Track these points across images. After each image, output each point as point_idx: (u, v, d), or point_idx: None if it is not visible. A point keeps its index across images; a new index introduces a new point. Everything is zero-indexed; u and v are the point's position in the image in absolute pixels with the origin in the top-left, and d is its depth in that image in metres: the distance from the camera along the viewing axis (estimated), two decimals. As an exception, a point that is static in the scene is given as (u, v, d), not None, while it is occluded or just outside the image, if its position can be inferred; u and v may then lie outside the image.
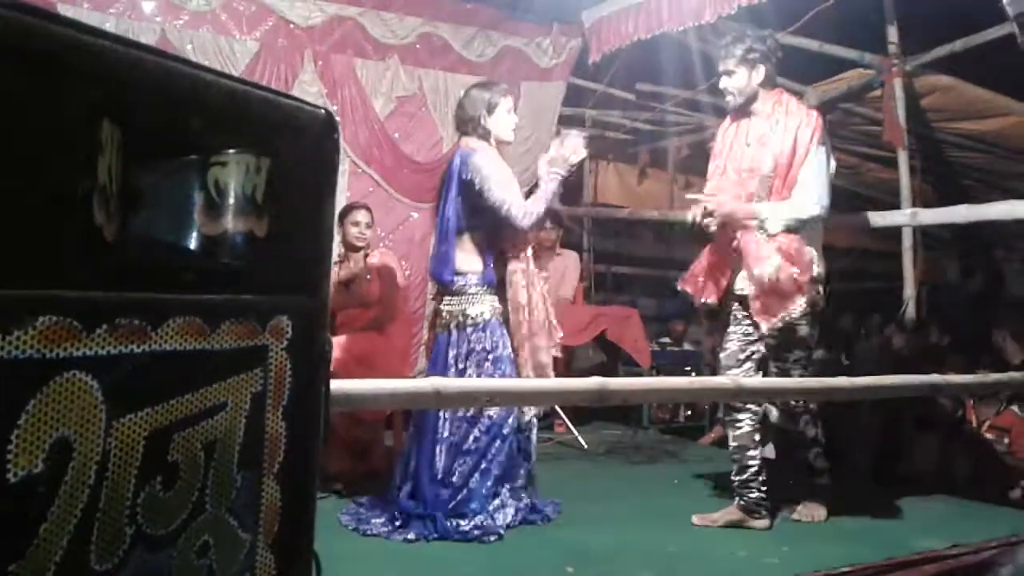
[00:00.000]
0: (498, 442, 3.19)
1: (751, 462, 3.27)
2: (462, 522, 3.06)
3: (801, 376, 3.23)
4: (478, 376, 3.17)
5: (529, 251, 3.38)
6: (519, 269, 3.32)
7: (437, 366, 3.24)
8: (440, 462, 3.15)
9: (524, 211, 3.22)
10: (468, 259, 3.27)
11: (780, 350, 3.21)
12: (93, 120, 0.86)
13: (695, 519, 3.30)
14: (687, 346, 6.87)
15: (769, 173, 3.16)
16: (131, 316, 0.90)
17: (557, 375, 4.41)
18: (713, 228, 3.19)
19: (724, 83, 3.28)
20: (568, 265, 5.77)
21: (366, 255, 4.16)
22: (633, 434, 5.59)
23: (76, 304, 0.83)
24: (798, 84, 6.06)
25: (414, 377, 4.45)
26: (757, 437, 3.31)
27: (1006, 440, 4.36)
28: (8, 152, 0.77)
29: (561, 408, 5.13)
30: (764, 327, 3.15)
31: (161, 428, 0.94)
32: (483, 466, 3.16)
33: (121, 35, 0.93)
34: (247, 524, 1.07)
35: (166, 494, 0.95)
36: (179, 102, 0.97)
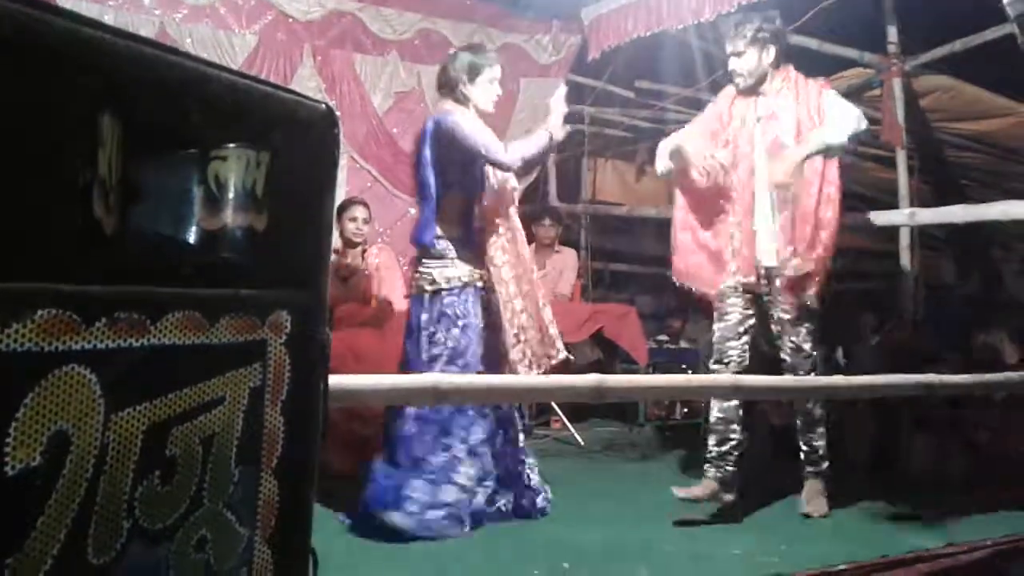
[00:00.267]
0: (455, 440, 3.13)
1: (733, 435, 3.28)
2: (395, 515, 2.98)
3: (812, 349, 3.28)
4: (445, 342, 3.11)
5: (514, 220, 3.28)
6: (499, 246, 3.24)
7: (412, 334, 3.18)
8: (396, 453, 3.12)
9: (507, 147, 3.12)
10: (448, 223, 3.19)
11: (794, 323, 3.26)
12: (93, 113, 0.86)
13: (677, 492, 3.27)
14: (684, 344, 6.87)
15: (791, 144, 3.18)
16: (130, 310, 0.89)
17: (554, 372, 4.41)
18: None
19: (734, 64, 3.28)
20: (566, 262, 5.78)
21: (364, 251, 4.16)
22: (629, 431, 5.59)
23: (75, 297, 0.83)
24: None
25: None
26: (742, 413, 3.32)
27: (1002, 440, 4.36)
28: (8, 145, 0.77)
29: (558, 405, 5.14)
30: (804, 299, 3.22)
31: (159, 422, 0.94)
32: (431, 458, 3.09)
33: (121, 28, 0.93)
34: (245, 519, 1.07)
35: (164, 488, 0.95)
36: (179, 96, 0.97)
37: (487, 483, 3.17)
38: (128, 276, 0.91)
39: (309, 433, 1.17)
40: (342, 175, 5.01)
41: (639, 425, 5.75)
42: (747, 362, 3.34)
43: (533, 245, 5.68)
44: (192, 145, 1.02)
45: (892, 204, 5.36)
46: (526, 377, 3.02)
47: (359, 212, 4.15)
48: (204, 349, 1.00)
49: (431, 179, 3.16)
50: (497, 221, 3.26)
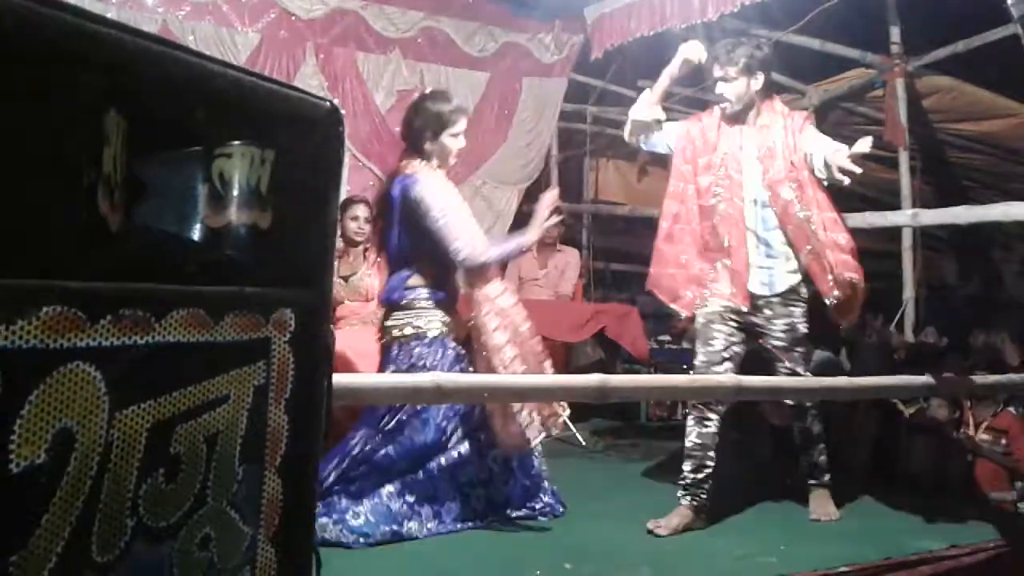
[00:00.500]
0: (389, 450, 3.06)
1: (709, 463, 3.26)
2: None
3: (806, 372, 3.30)
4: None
5: (494, 285, 3.09)
6: (487, 305, 3.05)
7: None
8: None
9: (474, 252, 2.99)
10: (419, 276, 3.10)
11: (787, 350, 3.27)
12: (98, 110, 0.85)
13: (651, 525, 3.16)
14: (686, 344, 6.86)
15: (790, 175, 3.20)
16: (135, 307, 0.89)
17: (556, 372, 4.40)
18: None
19: (722, 89, 3.28)
20: (568, 262, 5.78)
21: (365, 249, 4.15)
22: (630, 431, 5.59)
23: (80, 294, 0.83)
24: (800, 82, 6.07)
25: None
26: (718, 440, 3.31)
27: (1003, 441, 4.36)
28: (12, 141, 0.77)
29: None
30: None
31: (164, 420, 0.93)
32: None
33: (126, 24, 0.93)
34: (248, 517, 1.07)
35: (168, 486, 0.95)
36: (185, 92, 0.97)
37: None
38: (133, 273, 0.90)
39: (313, 431, 1.16)
40: (344, 174, 5.01)
41: (641, 425, 5.75)
42: None
43: (535, 244, 5.68)
44: (197, 142, 1.02)
45: (894, 205, 5.36)
46: (528, 377, 2.99)
47: (361, 211, 4.14)
48: (208, 347, 0.99)
49: (404, 245, 3.08)
50: (477, 283, 3.10)
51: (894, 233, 5.35)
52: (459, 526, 3.10)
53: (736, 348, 3.28)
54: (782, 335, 3.26)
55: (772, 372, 3.29)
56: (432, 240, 3.02)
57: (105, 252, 0.86)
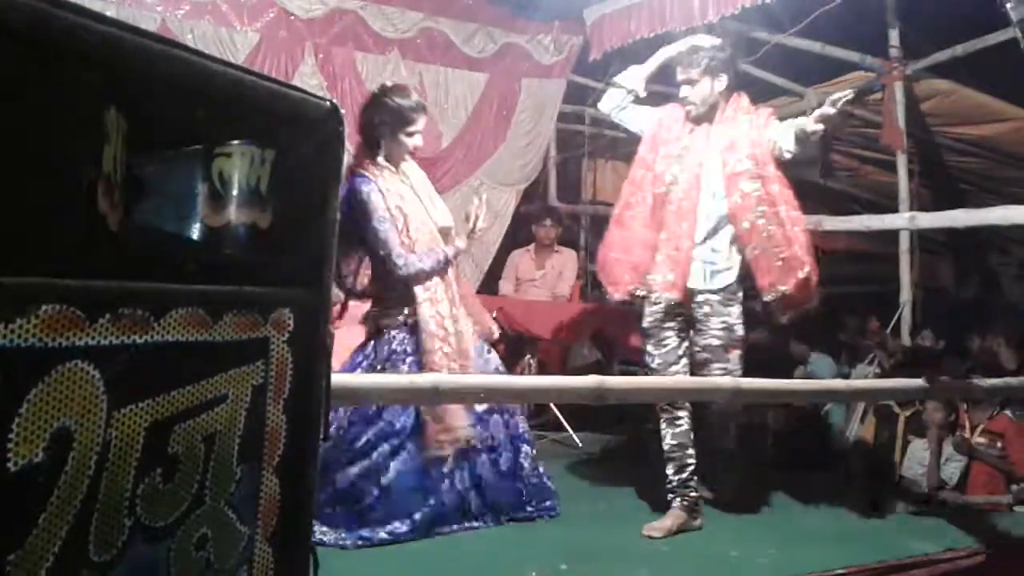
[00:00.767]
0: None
1: (689, 460, 3.25)
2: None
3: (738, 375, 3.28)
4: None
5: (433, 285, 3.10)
6: (428, 300, 3.07)
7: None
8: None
9: (405, 261, 3.01)
10: (374, 270, 3.14)
11: (724, 350, 3.25)
12: (99, 109, 0.85)
13: (645, 530, 3.15)
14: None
15: (753, 170, 3.19)
16: (134, 306, 0.89)
17: (552, 373, 4.40)
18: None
19: (685, 92, 3.29)
20: (566, 263, 5.77)
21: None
22: (626, 432, 5.57)
23: (79, 293, 0.83)
24: (799, 85, 6.07)
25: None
26: (692, 435, 3.31)
27: (999, 444, 4.36)
28: (12, 140, 0.76)
29: (556, 406, 5.13)
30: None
31: (162, 419, 0.93)
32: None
33: (127, 23, 0.93)
34: (246, 517, 1.07)
35: (165, 486, 0.95)
36: (185, 92, 0.97)
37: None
38: (132, 272, 0.90)
39: (311, 432, 1.16)
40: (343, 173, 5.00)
41: (637, 426, 5.73)
42: None
43: (533, 245, 5.68)
44: (197, 141, 1.02)
45: (892, 208, 5.36)
46: (526, 378, 3.00)
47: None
48: (207, 346, 0.99)
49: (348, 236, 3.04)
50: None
51: (891, 236, 5.35)
52: (455, 527, 3.10)
53: (686, 344, 3.29)
54: (719, 333, 3.23)
55: (704, 374, 3.27)
56: (373, 243, 3.06)
57: (104, 251, 0.86)
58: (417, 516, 3.03)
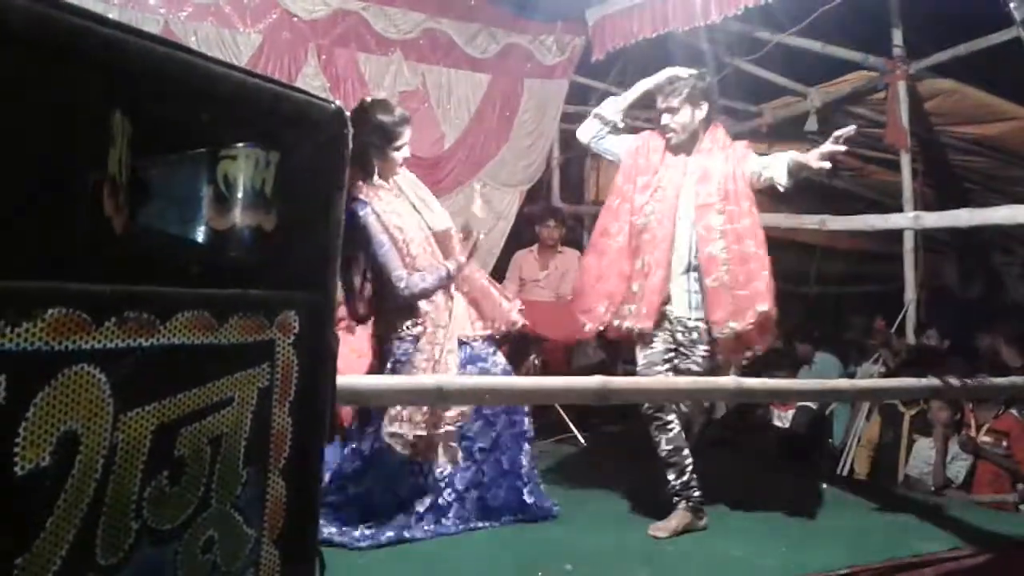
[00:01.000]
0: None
1: (687, 462, 3.25)
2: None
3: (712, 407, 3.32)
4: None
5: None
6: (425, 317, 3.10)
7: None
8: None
9: (407, 284, 3.03)
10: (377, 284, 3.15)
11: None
12: (104, 111, 0.85)
13: (651, 531, 3.18)
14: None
15: (720, 204, 3.22)
16: (139, 309, 0.89)
17: (557, 373, 4.40)
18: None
19: (666, 120, 3.31)
20: (569, 263, 5.76)
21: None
22: (631, 432, 5.57)
23: (85, 296, 0.83)
24: (801, 85, 6.06)
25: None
26: (684, 435, 3.31)
27: (1005, 443, 4.36)
28: (18, 143, 0.76)
29: (560, 406, 5.12)
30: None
31: (168, 422, 0.93)
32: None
33: (131, 25, 0.93)
34: (252, 519, 1.07)
35: (172, 489, 0.95)
36: (190, 94, 0.97)
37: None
38: (138, 275, 0.90)
39: (317, 434, 1.16)
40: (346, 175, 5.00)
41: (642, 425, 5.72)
42: None
43: (537, 246, 5.68)
44: (202, 144, 1.02)
45: (896, 207, 5.35)
46: (530, 379, 3.01)
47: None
48: (213, 349, 0.99)
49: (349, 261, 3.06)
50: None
51: (896, 235, 5.35)
52: (460, 527, 3.10)
53: (673, 353, 3.29)
54: (701, 361, 3.25)
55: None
56: (374, 266, 3.07)
57: (110, 254, 0.86)
58: (421, 516, 3.04)
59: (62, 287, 0.81)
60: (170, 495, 0.94)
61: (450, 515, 3.10)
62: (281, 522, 1.10)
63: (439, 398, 2.42)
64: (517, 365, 4.66)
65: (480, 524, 3.16)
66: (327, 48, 5.13)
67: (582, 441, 5.00)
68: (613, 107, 3.42)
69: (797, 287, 9.09)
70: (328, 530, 2.91)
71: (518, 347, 4.96)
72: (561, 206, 6.53)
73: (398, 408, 2.98)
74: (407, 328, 3.10)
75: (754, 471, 4.37)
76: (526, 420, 3.31)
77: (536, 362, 5.14)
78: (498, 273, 5.83)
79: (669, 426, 3.26)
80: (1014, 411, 4.42)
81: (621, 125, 3.43)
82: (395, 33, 5.34)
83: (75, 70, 0.82)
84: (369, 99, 3.28)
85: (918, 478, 4.49)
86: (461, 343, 3.14)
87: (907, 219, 4.73)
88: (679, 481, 3.24)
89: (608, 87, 6.51)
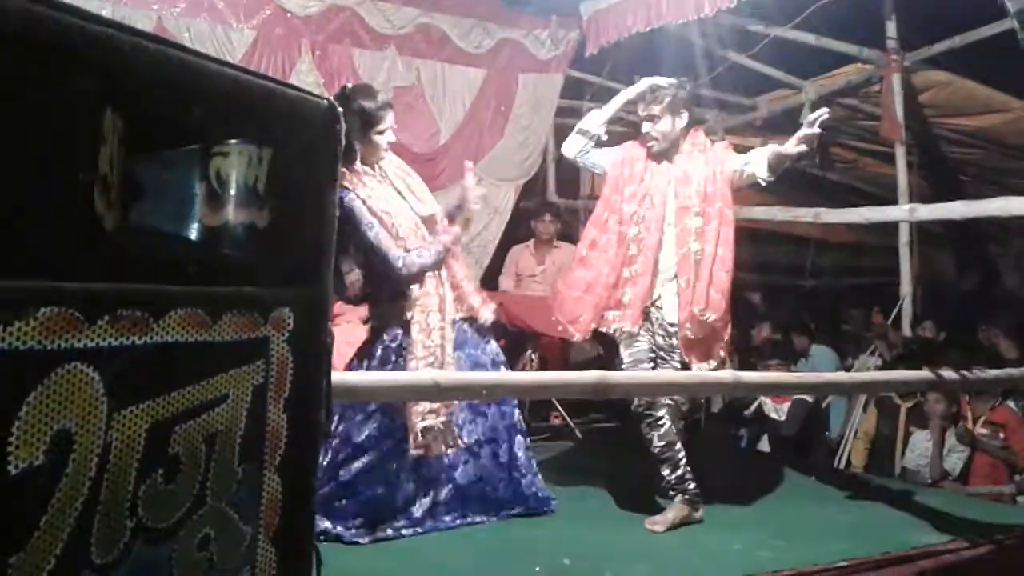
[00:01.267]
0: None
1: (680, 455, 3.27)
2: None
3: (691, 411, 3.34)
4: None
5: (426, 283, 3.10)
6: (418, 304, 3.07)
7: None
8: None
9: (404, 261, 3.01)
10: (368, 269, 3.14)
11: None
12: (95, 109, 0.85)
13: (647, 524, 3.19)
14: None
15: (699, 206, 3.25)
16: (132, 307, 0.89)
17: (554, 368, 4.40)
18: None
19: (647, 128, 3.35)
20: (566, 258, 5.75)
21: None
22: (629, 426, 5.58)
23: (77, 295, 0.82)
24: (796, 78, 6.06)
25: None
26: (675, 429, 3.32)
27: (1001, 435, 4.37)
28: (9, 141, 0.76)
29: (557, 400, 5.13)
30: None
31: (162, 420, 0.93)
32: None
33: (122, 23, 0.92)
34: (248, 517, 1.07)
35: (167, 487, 0.95)
36: (182, 91, 0.96)
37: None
38: (130, 273, 0.90)
39: (312, 431, 1.16)
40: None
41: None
42: None
43: (533, 241, 5.68)
44: (194, 141, 1.01)
45: (891, 200, 5.35)
46: (528, 373, 3.00)
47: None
48: (207, 347, 0.99)
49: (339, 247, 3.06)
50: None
51: (891, 228, 5.35)
52: (457, 522, 3.11)
53: (653, 351, 3.32)
54: (679, 366, 3.28)
55: None
56: (367, 249, 3.05)
57: (103, 252, 0.86)
58: (418, 511, 3.05)
59: (54, 286, 0.81)
60: (165, 493, 0.94)
61: (449, 510, 3.11)
62: (277, 519, 1.10)
63: (436, 394, 2.42)
64: (514, 360, 4.67)
65: (478, 519, 3.16)
66: (321, 44, 5.12)
67: (578, 435, 5.01)
68: (595, 120, 3.45)
69: (793, 280, 9.11)
70: (324, 524, 2.90)
71: (515, 342, 4.97)
72: (557, 201, 6.53)
73: (424, 404, 2.95)
74: (398, 315, 3.08)
75: (750, 464, 4.38)
76: (516, 412, 3.31)
77: (533, 357, 5.14)
78: (494, 268, 5.84)
79: (660, 422, 3.27)
80: (1011, 403, 4.44)
81: (605, 138, 3.46)
82: (389, 28, 5.33)
83: (66, 69, 0.82)
84: (350, 85, 3.27)
85: (915, 470, 4.50)
86: (452, 322, 3.14)
87: (902, 211, 4.73)
88: (674, 476, 3.25)
89: (603, 81, 6.51)
